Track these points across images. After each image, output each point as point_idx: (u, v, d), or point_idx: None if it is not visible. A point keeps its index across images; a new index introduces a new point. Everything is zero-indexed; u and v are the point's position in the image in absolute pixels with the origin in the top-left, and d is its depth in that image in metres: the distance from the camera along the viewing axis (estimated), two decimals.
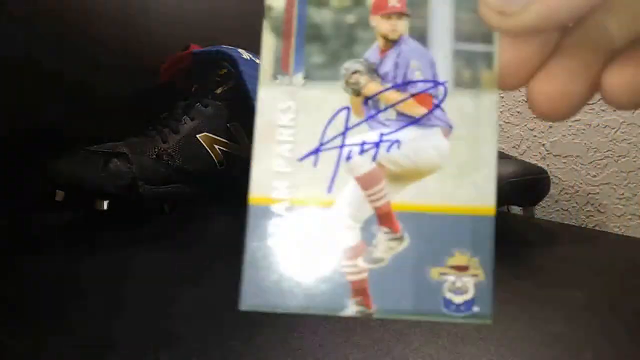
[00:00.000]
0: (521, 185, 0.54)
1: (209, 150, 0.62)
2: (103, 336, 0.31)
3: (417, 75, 0.18)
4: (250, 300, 0.17)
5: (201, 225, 0.58)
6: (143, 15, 0.71)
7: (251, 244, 0.17)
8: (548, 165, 0.74)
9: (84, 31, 0.65)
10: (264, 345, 0.30)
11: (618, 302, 0.40)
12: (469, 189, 0.17)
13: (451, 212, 0.17)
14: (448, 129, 0.17)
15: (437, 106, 0.17)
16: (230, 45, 0.65)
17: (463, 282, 0.16)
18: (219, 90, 0.65)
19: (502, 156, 0.58)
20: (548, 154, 0.74)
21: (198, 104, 0.64)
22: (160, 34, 0.73)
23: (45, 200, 0.55)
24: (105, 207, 0.53)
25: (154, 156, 0.57)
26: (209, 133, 0.63)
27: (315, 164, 0.17)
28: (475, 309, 0.17)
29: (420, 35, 0.18)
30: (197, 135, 0.62)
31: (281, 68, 0.17)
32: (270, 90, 0.17)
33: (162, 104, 0.67)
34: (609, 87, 0.16)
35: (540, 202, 0.62)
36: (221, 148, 0.64)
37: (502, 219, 0.64)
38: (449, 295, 0.16)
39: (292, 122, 0.17)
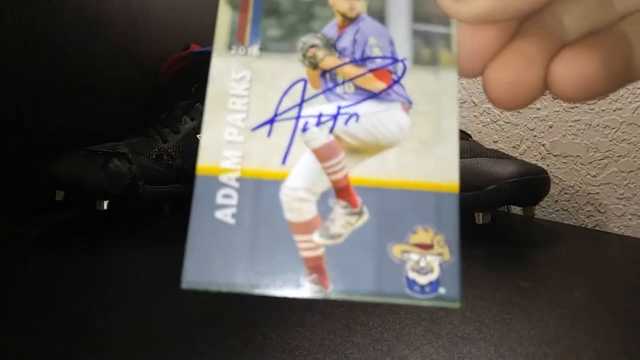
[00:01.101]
0: (521, 185, 0.54)
1: None
2: (102, 336, 0.31)
3: (375, 52, 0.17)
4: (193, 277, 0.15)
5: None
6: (143, 16, 0.71)
7: (197, 216, 0.15)
8: (548, 165, 0.74)
9: (84, 31, 0.64)
10: (264, 345, 0.30)
11: (618, 302, 0.40)
12: (431, 164, 0.16)
13: (412, 187, 0.16)
14: (408, 104, 0.17)
15: (397, 82, 0.17)
16: None
17: (427, 261, 0.16)
18: None
19: (502, 156, 0.58)
20: (548, 154, 0.74)
21: (198, 103, 0.64)
22: (160, 34, 0.73)
23: (45, 200, 0.55)
24: (105, 207, 0.53)
25: (154, 156, 0.57)
26: None
27: (269, 134, 0.16)
28: (442, 290, 0.15)
29: (379, 16, 0.18)
30: (198, 135, 0.62)
31: (237, 39, 0.17)
32: (224, 59, 0.17)
33: (162, 104, 0.67)
34: (556, 79, 0.16)
35: (540, 202, 0.62)
36: None
37: (502, 219, 0.64)
38: (412, 275, 0.15)
39: (246, 91, 0.17)
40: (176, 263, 0.47)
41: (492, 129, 0.81)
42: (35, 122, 0.60)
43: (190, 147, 0.61)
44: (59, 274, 0.41)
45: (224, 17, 0.17)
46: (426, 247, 0.16)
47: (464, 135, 0.67)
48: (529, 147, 0.76)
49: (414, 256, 0.16)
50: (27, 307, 0.35)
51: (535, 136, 0.75)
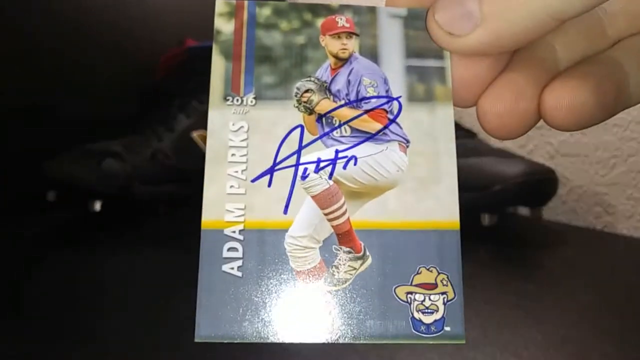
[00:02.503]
0: (528, 185, 0.53)
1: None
2: (100, 337, 0.31)
3: (370, 92, 0.18)
4: (205, 331, 0.16)
5: (197, 226, 0.57)
6: (140, 13, 0.71)
7: (205, 271, 0.16)
8: (556, 164, 0.73)
9: (80, 29, 0.65)
10: (264, 347, 0.29)
11: (626, 304, 0.39)
12: (431, 203, 0.17)
13: (414, 228, 0.17)
14: (405, 143, 0.17)
15: (393, 121, 0.17)
16: None
17: (432, 300, 0.16)
18: None
19: (509, 155, 0.58)
20: (556, 153, 0.73)
21: (194, 101, 0.63)
22: (155, 30, 0.73)
23: (39, 200, 0.55)
24: (98, 207, 0.53)
25: (149, 155, 0.57)
26: (205, 131, 0.62)
27: (269, 184, 0.17)
28: (447, 328, 0.16)
29: (371, 53, 0.18)
30: (192, 133, 0.61)
31: (231, 90, 0.17)
32: (220, 111, 0.17)
33: (156, 101, 0.66)
34: (548, 109, 0.16)
35: (548, 203, 0.61)
36: None
37: (508, 220, 0.63)
38: (418, 315, 0.16)
39: (244, 142, 0.17)
40: (173, 263, 0.46)
41: None
42: (28, 122, 0.60)
43: (185, 146, 0.60)
44: (55, 274, 0.41)
45: (218, 68, 0.18)
46: (430, 286, 0.16)
47: (470, 134, 0.66)
48: (536, 146, 0.75)
49: (419, 297, 0.16)
50: (24, 307, 0.35)
51: (542, 135, 0.75)
